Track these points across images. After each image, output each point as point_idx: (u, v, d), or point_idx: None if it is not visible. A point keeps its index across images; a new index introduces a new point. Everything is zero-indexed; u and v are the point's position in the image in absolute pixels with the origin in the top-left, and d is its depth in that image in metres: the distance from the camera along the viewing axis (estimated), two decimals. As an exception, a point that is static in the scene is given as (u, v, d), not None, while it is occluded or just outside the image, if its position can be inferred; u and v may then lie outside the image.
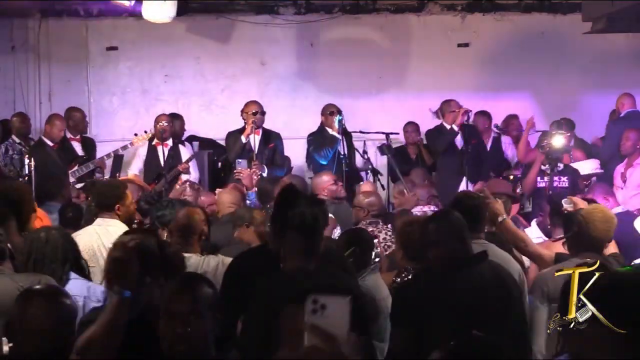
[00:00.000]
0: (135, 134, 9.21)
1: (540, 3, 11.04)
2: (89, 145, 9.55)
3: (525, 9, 11.05)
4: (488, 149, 9.87)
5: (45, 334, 3.22)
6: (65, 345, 3.28)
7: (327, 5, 10.90)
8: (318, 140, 9.08)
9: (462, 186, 8.61)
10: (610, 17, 9.11)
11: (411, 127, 10.01)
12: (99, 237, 5.27)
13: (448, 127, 9.22)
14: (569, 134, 8.52)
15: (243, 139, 8.77)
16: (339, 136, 8.82)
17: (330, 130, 9.04)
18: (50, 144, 8.91)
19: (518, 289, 4.34)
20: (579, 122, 9.83)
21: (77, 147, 9.39)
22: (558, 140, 7.95)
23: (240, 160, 8.32)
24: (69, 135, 9.38)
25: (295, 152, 9.68)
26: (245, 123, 8.89)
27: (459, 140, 9.15)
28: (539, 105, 10.75)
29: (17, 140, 9.14)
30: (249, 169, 8.18)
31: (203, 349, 3.10)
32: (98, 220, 5.42)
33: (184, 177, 8.61)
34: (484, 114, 9.99)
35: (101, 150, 9.50)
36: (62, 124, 9.13)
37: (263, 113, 8.94)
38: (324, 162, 8.89)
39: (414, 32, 10.98)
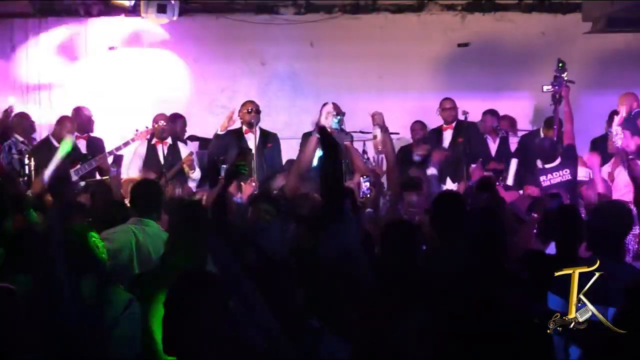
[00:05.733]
0: (137, 130, 9.18)
1: (540, 3, 11.05)
2: (95, 144, 9.50)
3: (525, 9, 11.05)
4: (495, 149, 9.56)
5: None
6: None
7: (327, 5, 10.90)
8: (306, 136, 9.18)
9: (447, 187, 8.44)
10: (610, 17, 9.14)
11: (418, 125, 9.73)
12: (134, 235, 5.06)
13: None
14: None
15: (219, 130, 8.77)
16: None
17: None
18: (57, 144, 8.90)
19: None
20: (579, 122, 9.79)
21: (82, 146, 9.38)
22: None
23: (224, 165, 8.33)
24: (75, 134, 9.38)
25: (295, 152, 9.66)
26: (241, 122, 8.92)
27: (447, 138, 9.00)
28: (539, 105, 10.74)
29: (21, 139, 9.14)
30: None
31: None
32: (132, 220, 5.22)
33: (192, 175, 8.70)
34: (492, 113, 9.64)
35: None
36: (72, 126, 9.11)
37: (253, 111, 8.82)
38: None
39: (414, 32, 10.97)
